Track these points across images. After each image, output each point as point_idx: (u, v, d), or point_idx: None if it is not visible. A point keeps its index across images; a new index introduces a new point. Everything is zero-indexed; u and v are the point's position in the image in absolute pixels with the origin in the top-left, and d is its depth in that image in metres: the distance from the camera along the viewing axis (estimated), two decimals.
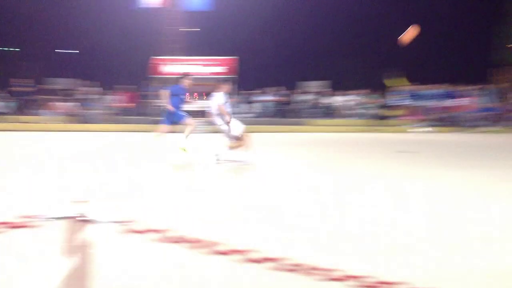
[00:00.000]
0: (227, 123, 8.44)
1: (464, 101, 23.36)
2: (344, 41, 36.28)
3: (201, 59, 25.92)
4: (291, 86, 26.08)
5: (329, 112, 24.07)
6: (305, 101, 24.76)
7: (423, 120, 22.27)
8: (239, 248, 2.73)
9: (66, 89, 24.12)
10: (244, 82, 24.52)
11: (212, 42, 32.02)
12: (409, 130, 21.16)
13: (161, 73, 25.00)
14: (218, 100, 8.59)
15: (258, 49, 35.49)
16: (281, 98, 24.89)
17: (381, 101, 24.46)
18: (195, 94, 23.52)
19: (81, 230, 1.75)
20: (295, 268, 2.17)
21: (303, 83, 26.35)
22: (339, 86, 25.63)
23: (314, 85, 26.07)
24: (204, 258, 2.05)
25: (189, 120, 9.57)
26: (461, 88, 24.14)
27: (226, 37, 34.56)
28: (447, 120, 22.42)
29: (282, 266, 2.22)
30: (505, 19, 29.82)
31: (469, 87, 24.15)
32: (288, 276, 2.03)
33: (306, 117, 23.12)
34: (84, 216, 1.76)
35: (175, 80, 10.13)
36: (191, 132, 9.52)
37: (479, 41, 32.96)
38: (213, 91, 8.92)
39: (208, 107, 8.88)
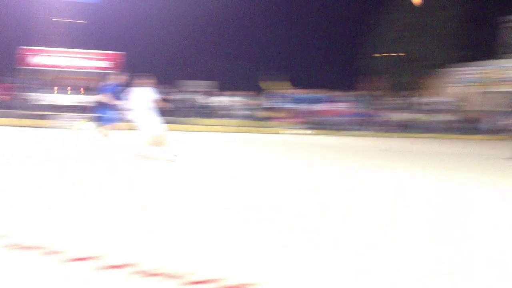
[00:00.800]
0: (158, 117, 8.20)
1: (340, 106, 24.73)
2: (232, 42, 36.87)
3: (82, 52, 24.81)
4: (177, 84, 25.93)
5: (210, 112, 24.12)
6: (187, 100, 24.66)
7: (301, 123, 23.18)
8: (97, 254, 2.72)
9: None
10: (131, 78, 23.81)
11: (102, 36, 30.91)
12: (286, 132, 21.91)
13: (31, 65, 23.61)
14: (150, 95, 8.26)
15: (145, 45, 34.84)
16: (165, 96, 24.54)
17: (263, 102, 25.08)
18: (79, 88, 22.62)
19: None
20: (153, 274, 2.22)
21: (189, 82, 26.33)
22: (226, 87, 25.98)
23: (199, 84, 26.18)
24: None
25: (118, 122, 9.24)
26: (337, 93, 25.60)
27: (113, 31, 33.51)
28: (324, 124, 23.56)
29: (140, 272, 2.25)
30: (371, 30, 31.97)
31: (345, 93, 25.76)
32: (146, 282, 2.04)
33: (187, 116, 22.99)
34: None
35: (110, 77, 9.76)
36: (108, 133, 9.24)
37: (353, 50, 34.95)
38: (133, 85, 8.53)
39: (130, 102, 8.44)
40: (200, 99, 24.80)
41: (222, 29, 36.05)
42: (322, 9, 36.30)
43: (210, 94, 25.42)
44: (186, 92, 25.36)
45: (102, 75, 21.79)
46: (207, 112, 24.08)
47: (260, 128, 22.52)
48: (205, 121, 22.79)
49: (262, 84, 25.98)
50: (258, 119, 23.85)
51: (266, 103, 25.04)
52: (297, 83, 26.24)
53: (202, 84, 25.94)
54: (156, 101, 8.26)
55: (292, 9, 36.86)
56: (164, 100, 8.50)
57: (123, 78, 9.56)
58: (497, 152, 13.86)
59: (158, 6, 33.03)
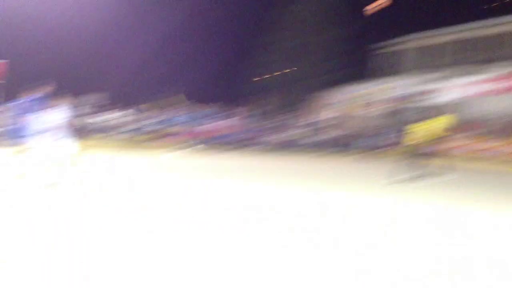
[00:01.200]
0: (70, 138, 7.85)
1: (230, 123, 25.23)
2: (126, 54, 35.78)
3: None
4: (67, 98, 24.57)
5: (96, 130, 23.10)
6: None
7: (193, 140, 23.24)
8: None
9: None
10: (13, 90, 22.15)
11: None
12: (177, 150, 21.82)
13: None
14: (63, 114, 7.86)
15: (32, 53, 32.76)
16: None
17: (154, 119, 24.76)
18: None
19: None
20: None
21: (79, 96, 25.18)
22: (118, 101, 25.26)
23: (89, 98, 25.14)
24: None
25: (32, 141, 8.48)
26: (227, 111, 26.16)
27: None
28: (216, 141, 23.84)
29: None
30: (260, 49, 33.35)
31: (237, 110, 26.39)
32: None
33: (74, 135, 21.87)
34: None
35: (26, 91, 8.82)
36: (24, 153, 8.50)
37: (244, 68, 35.64)
38: (47, 102, 8.03)
39: (40, 120, 7.93)
40: (87, 115, 23.75)
41: (113, 40, 35.11)
42: (216, 25, 36.95)
43: (98, 110, 24.52)
44: (74, 107, 24.22)
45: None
46: (94, 130, 23.03)
47: (149, 146, 22.11)
48: (91, 139, 21.77)
49: (153, 102, 25.68)
50: (147, 137, 23.42)
51: (156, 119, 24.77)
52: (190, 99, 26.41)
53: (92, 98, 24.81)
54: (68, 120, 8.04)
55: (187, 23, 36.88)
56: (76, 119, 8.24)
57: (42, 91, 8.76)
58: (376, 170, 14.93)
59: (44, 10, 31.35)
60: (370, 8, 30.10)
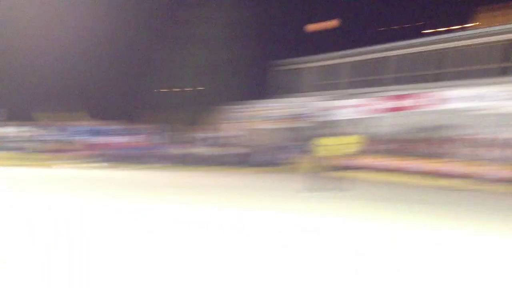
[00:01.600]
0: None
1: (134, 139, 24.84)
2: (21, 69, 33.70)
3: None
4: None
5: None
6: None
7: (94, 155, 22.59)
8: None
9: None
10: None
11: None
12: (81, 166, 21.12)
13: None
14: None
15: None
16: None
17: (53, 133, 23.79)
18: None
19: None
20: None
21: None
22: (14, 116, 23.93)
23: None
24: None
25: None
26: (132, 126, 25.73)
27: None
28: (120, 156, 23.34)
29: None
30: (163, 65, 33.33)
31: (141, 126, 26.01)
32: None
33: None
34: None
35: None
36: None
37: (145, 84, 34.98)
38: None
39: None
40: None
41: (15, 53, 32.88)
42: (118, 43, 36.06)
43: None
44: None
45: None
46: None
47: (46, 160, 21.25)
48: None
49: (54, 117, 24.57)
50: (46, 151, 22.48)
51: (56, 134, 23.81)
52: (93, 115, 25.63)
53: None
54: None
55: (91, 38, 35.50)
56: None
57: None
58: (281, 184, 15.29)
59: None
60: (312, 27, 30.86)
